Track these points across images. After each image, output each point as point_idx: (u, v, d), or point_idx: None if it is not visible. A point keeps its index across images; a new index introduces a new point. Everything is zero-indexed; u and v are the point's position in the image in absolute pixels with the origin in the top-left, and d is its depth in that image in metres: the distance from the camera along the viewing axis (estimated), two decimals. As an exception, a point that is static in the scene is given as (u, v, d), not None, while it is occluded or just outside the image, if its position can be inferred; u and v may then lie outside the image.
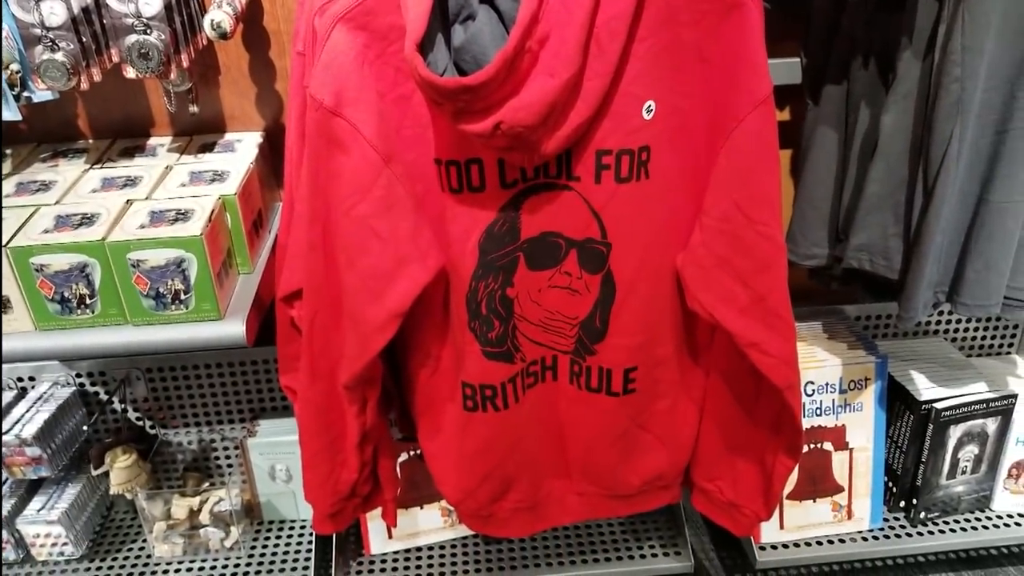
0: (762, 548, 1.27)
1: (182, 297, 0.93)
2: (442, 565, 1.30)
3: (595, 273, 0.89)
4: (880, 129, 0.99)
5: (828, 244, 1.12)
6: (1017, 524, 1.31)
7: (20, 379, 1.28)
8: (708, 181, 0.84)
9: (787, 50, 1.10)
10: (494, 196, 0.84)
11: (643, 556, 1.30)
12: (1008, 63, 0.90)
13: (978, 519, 1.33)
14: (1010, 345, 1.46)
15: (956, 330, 1.44)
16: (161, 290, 0.92)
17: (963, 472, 1.29)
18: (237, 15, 0.94)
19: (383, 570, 1.29)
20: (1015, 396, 1.26)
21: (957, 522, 1.32)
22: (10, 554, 1.27)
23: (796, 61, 1.10)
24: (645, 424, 0.99)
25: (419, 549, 1.32)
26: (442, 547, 1.32)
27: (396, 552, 1.31)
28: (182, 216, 0.93)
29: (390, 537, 1.30)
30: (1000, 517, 1.33)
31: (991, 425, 1.27)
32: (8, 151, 1.10)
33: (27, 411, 1.22)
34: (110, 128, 1.14)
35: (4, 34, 0.90)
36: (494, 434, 0.97)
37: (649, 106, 0.81)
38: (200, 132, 1.15)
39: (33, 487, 1.28)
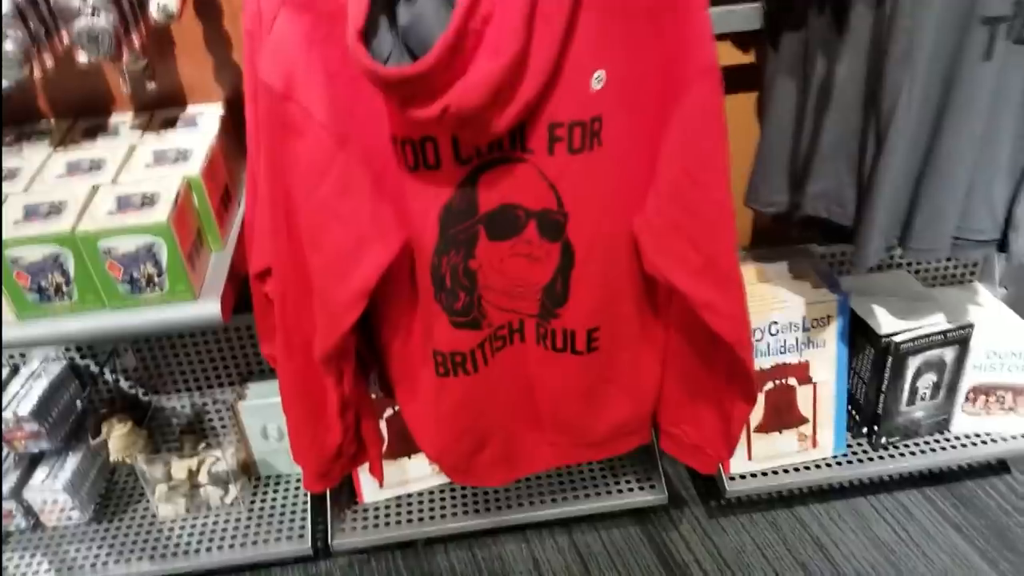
0: (732, 478, 1.31)
1: (156, 280, 0.93)
2: (431, 510, 1.34)
3: (554, 241, 0.88)
4: (834, 79, 0.98)
5: (788, 191, 1.12)
6: (973, 444, 1.35)
7: (12, 356, 1.29)
8: (660, 148, 0.84)
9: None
10: (450, 172, 0.83)
11: (620, 491, 1.34)
12: (956, 15, 0.88)
13: (937, 441, 1.36)
14: (972, 274, 1.46)
15: (920, 261, 1.44)
16: (135, 275, 0.92)
17: (922, 399, 1.32)
18: (184, -4, 0.91)
19: (376, 517, 1.33)
20: (971, 325, 1.27)
21: (917, 444, 1.36)
22: (21, 522, 1.30)
23: (758, 6, 1.08)
24: (610, 378, 1.01)
25: (409, 496, 1.36)
26: (431, 493, 1.36)
27: (388, 500, 1.35)
28: (148, 200, 0.92)
29: (381, 486, 1.33)
30: (958, 438, 1.37)
31: (949, 354, 1.29)
32: (-29, 138, 1.09)
33: (21, 388, 1.24)
34: (71, 107, 1.11)
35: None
36: (466, 396, 0.98)
37: (599, 76, 0.79)
38: (162, 106, 1.12)
39: (35, 460, 1.31)
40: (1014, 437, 1.35)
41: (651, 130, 0.84)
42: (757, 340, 1.24)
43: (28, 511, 1.29)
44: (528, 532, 1.39)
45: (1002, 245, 1.07)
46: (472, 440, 1.03)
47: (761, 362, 1.26)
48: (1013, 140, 0.99)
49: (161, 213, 0.90)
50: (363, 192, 0.82)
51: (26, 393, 1.23)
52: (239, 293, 1.02)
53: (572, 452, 1.10)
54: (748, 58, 1.23)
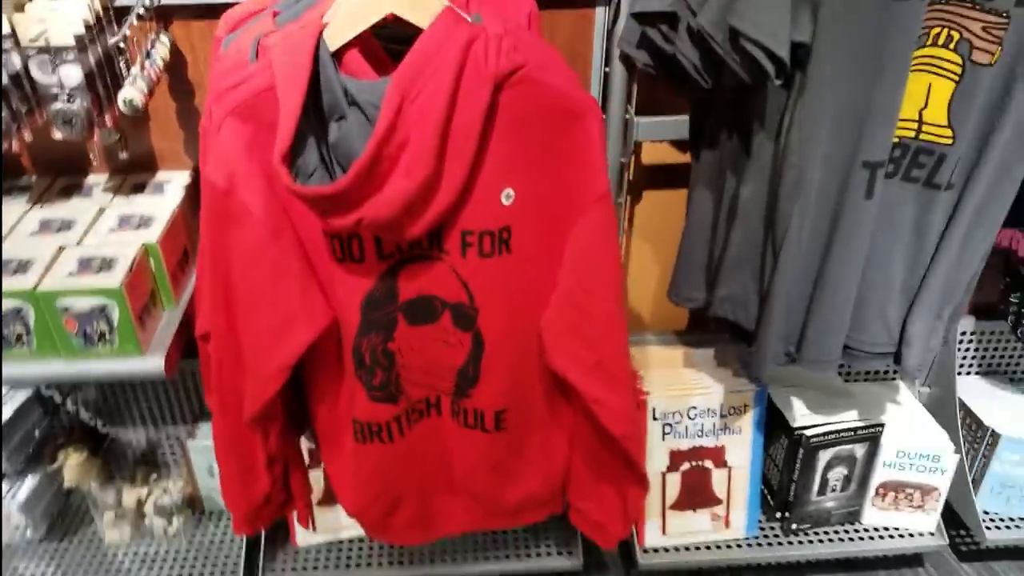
0: (645, 551, 1.41)
1: (107, 337, 1.04)
2: (359, 556, 1.44)
3: (466, 331, 0.99)
4: (740, 198, 1.09)
5: (705, 289, 1.22)
6: (881, 537, 1.44)
7: (-15, 383, 1.42)
8: (561, 260, 0.95)
9: (682, 106, 1.20)
10: (373, 266, 0.94)
11: (539, 555, 1.43)
12: (844, 152, 0.99)
13: (846, 531, 1.45)
14: (895, 372, 1.56)
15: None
16: (88, 331, 1.04)
17: (833, 490, 1.41)
18: (151, 86, 1.03)
19: (307, 560, 1.43)
20: (882, 425, 1.37)
21: (827, 533, 1.45)
22: (-27, 538, 1.42)
23: (686, 119, 1.20)
24: (519, 454, 1.11)
25: (340, 542, 1.46)
26: (361, 540, 1.46)
27: (319, 545, 1.45)
28: (106, 265, 1.04)
29: (314, 531, 1.43)
30: (867, 530, 1.46)
31: (859, 450, 1.38)
32: (-43, 188, 1.21)
33: (-14, 413, 1.36)
34: (52, 166, 1.24)
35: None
36: (382, 462, 1.08)
37: (508, 193, 0.90)
38: (135, 170, 1.25)
39: (-7, 480, 1.42)
40: (921, 534, 1.44)
41: (557, 241, 0.95)
42: (676, 422, 1.34)
43: (-17, 528, 1.41)
44: (455, 585, 1.49)
45: (897, 358, 1.17)
46: (387, 502, 1.13)
47: (679, 443, 1.36)
48: (905, 265, 1.10)
49: (115, 278, 1.01)
50: (292, 278, 0.93)
51: (-10, 419, 1.35)
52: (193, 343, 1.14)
53: (484, 519, 1.19)
54: (686, 158, 1.35)
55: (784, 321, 1.10)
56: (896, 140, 1.00)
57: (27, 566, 1.42)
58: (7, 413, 1.36)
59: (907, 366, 1.15)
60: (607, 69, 1.19)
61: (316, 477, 1.30)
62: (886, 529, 1.46)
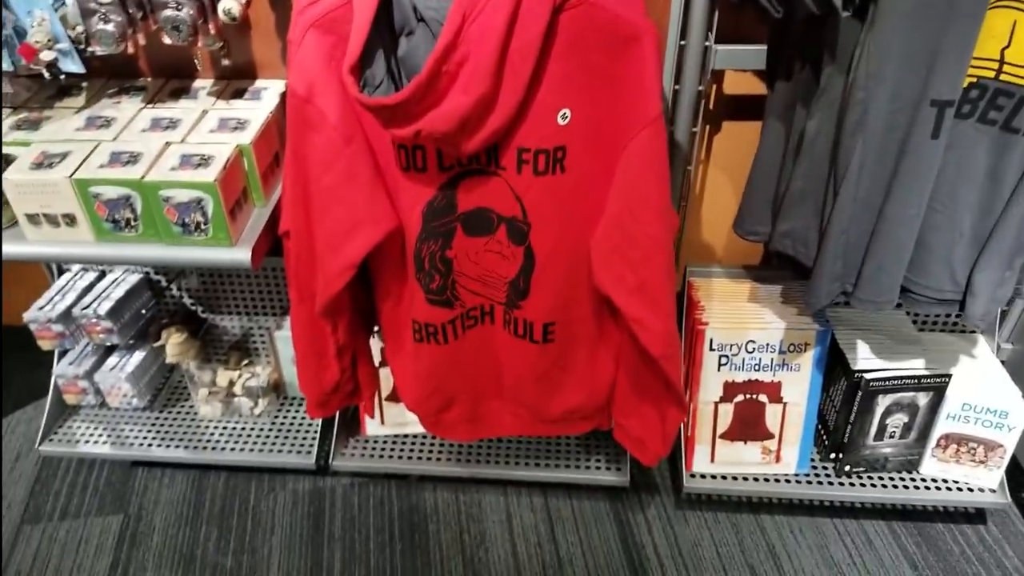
0: (692, 475, 1.48)
1: (202, 227, 1.18)
2: (420, 450, 1.58)
3: (519, 245, 1.07)
4: (808, 131, 1.11)
5: (770, 224, 1.25)
6: (938, 488, 1.46)
7: (100, 264, 1.61)
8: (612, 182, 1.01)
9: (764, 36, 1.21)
10: (434, 176, 1.03)
11: (588, 467, 1.53)
12: (912, 89, 0.99)
13: (902, 479, 1.48)
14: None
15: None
16: (186, 220, 1.17)
17: (891, 436, 1.43)
18: (249, -2, 1.14)
19: (374, 449, 1.59)
20: (948, 376, 1.37)
21: (881, 479, 1.48)
22: (91, 399, 1.64)
23: (763, 49, 1.21)
24: (565, 367, 1.19)
25: (404, 436, 1.60)
26: (423, 436, 1.60)
27: (386, 437, 1.60)
28: (204, 162, 1.17)
29: (383, 423, 1.58)
30: (924, 480, 1.47)
31: (922, 399, 1.39)
32: (84, 84, 1.37)
33: (103, 291, 1.55)
34: (165, 69, 1.38)
35: (70, 2, 1.14)
36: (437, 361, 1.19)
37: (564, 114, 0.96)
38: (237, 77, 1.37)
39: (108, 351, 1.63)
40: (982, 490, 1.45)
41: (610, 163, 1.01)
42: (733, 354, 1.39)
43: (97, 391, 1.62)
44: (508, 488, 1.61)
45: (963, 306, 1.18)
46: (441, 399, 1.25)
47: (735, 375, 1.41)
48: (976, 212, 1.09)
49: (211, 174, 1.14)
50: (362, 182, 1.03)
51: (107, 296, 1.54)
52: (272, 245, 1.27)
53: (530, 425, 1.29)
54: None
55: (841, 258, 1.12)
56: (973, 80, 1.00)
57: (131, 430, 1.63)
58: (119, 293, 1.55)
59: (971, 315, 1.15)
60: (689, -5, 1.21)
61: (385, 374, 1.44)
62: (944, 481, 1.47)
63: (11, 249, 1.21)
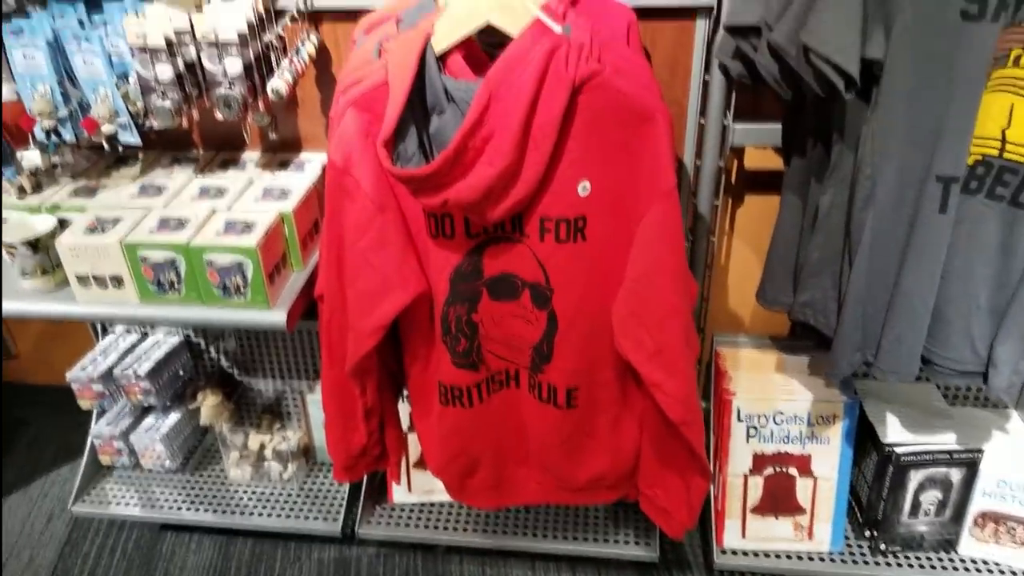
0: (723, 551, 1.53)
1: (242, 290, 1.31)
2: (447, 520, 1.66)
3: (542, 309, 1.18)
4: (820, 205, 1.21)
5: (791, 294, 1.35)
6: (978, 570, 1.49)
7: (144, 325, 1.76)
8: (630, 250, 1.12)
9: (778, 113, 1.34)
10: (461, 243, 1.15)
11: (617, 541, 1.59)
12: (918, 165, 1.09)
13: (940, 559, 1.51)
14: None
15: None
16: (227, 283, 1.31)
17: (926, 514, 1.48)
18: (296, 78, 1.29)
19: (400, 516, 1.67)
20: (980, 451, 1.42)
21: (918, 559, 1.51)
22: (125, 460, 1.75)
23: (778, 127, 1.33)
24: (589, 433, 1.28)
25: (432, 504, 1.68)
26: (451, 505, 1.68)
27: (412, 504, 1.69)
28: (247, 228, 1.31)
29: (409, 491, 1.67)
30: (963, 561, 1.51)
31: (956, 474, 1.44)
32: (140, 155, 1.54)
33: (144, 352, 1.69)
34: (216, 141, 1.55)
35: (132, 81, 1.31)
36: (461, 424, 1.29)
37: (584, 185, 1.08)
38: (283, 149, 1.53)
39: (144, 412, 1.76)
40: (1024, 573, 1.48)
41: (628, 232, 1.11)
42: (762, 425, 1.46)
43: (131, 452, 1.74)
44: (536, 561, 1.67)
45: (986, 378, 1.25)
46: (464, 462, 1.34)
47: (764, 447, 1.48)
48: (991, 284, 1.17)
49: (253, 239, 1.28)
50: (394, 248, 1.15)
51: (147, 357, 1.68)
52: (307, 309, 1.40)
53: (554, 493, 1.37)
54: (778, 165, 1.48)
55: (860, 329, 1.21)
56: (979, 158, 1.09)
57: (162, 492, 1.75)
58: (158, 355, 1.69)
59: (994, 388, 1.21)
60: (707, 77, 1.34)
61: (413, 441, 1.54)
62: (984, 563, 1.50)
63: (62, 308, 1.35)
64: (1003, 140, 1.08)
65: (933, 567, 1.50)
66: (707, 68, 1.33)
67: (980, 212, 1.13)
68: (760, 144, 1.40)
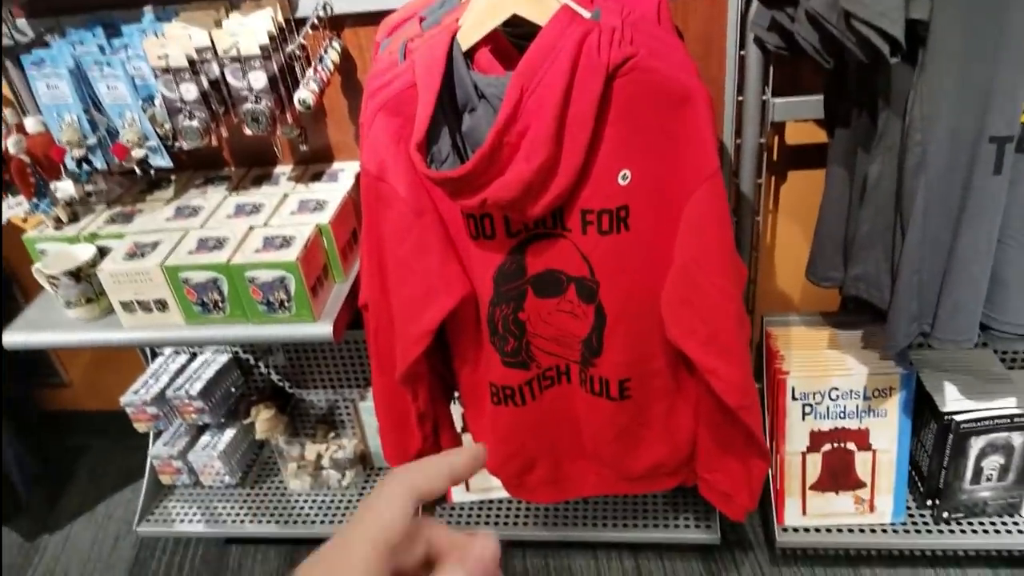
0: (784, 529, 1.46)
1: (286, 304, 1.26)
2: (507, 515, 1.60)
3: (589, 303, 1.11)
4: (868, 176, 1.13)
5: (842, 268, 1.27)
6: (1046, 532, 1.41)
7: (191, 346, 1.71)
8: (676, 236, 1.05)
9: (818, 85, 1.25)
10: (502, 242, 1.08)
11: (677, 526, 1.53)
12: (969, 127, 1.01)
13: (1004, 523, 1.43)
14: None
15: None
16: (271, 299, 1.26)
17: (988, 479, 1.40)
18: (322, 87, 1.23)
19: (460, 515, 1.62)
20: (1044, 413, 1.34)
21: (981, 524, 1.43)
22: (185, 479, 1.72)
23: (820, 99, 1.25)
24: (645, 423, 1.21)
25: (491, 501, 1.63)
26: (511, 501, 1.62)
27: (472, 502, 1.63)
28: (286, 243, 1.25)
29: (467, 490, 1.62)
30: (1030, 523, 1.43)
31: (1018, 439, 1.36)
32: (173, 177, 1.49)
33: (194, 372, 1.65)
34: (248, 157, 1.49)
35: (157, 103, 1.26)
36: (516, 423, 1.23)
37: (624, 174, 1.01)
38: (315, 161, 1.47)
39: (201, 430, 1.72)
40: (1093, 531, 1.40)
41: (672, 219, 1.04)
42: (817, 402, 1.39)
43: (191, 470, 1.71)
44: (598, 550, 1.62)
45: (1052, 340, 1.16)
46: (521, 461, 1.28)
47: (820, 424, 1.40)
48: (1051, 243, 1.09)
49: (293, 254, 1.23)
50: (434, 253, 1.09)
51: (198, 376, 1.64)
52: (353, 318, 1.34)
53: (614, 484, 1.31)
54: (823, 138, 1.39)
55: (916, 299, 1.13)
56: (1032, 114, 1.01)
57: (224, 507, 1.71)
58: (209, 373, 1.65)
59: (1059, 349, 1.14)
60: (742, 52, 1.26)
61: (468, 440, 1.48)
62: (1053, 524, 1.42)
63: (108, 336, 1.31)
64: (1059, 93, 0.99)
65: (997, 531, 1.42)
66: (742, 43, 1.25)
67: (1024, 172, 1.04)
68: (801, 118, 1.32)
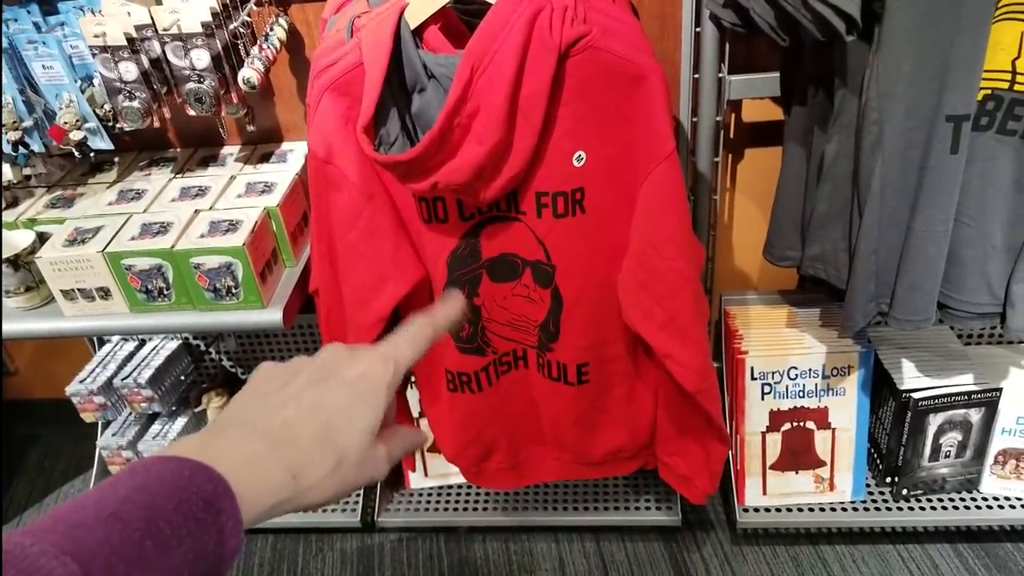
0: (745, 510, 1.48)
1: (233, 291, 1.23)
2: (465, 501, 1.60)
3: (545, 287, 1.10)
4: (825, 154, 1.13)
5: (799, 247, 1.27)
6: (1001, 507, 1.44)
7: (137, 335, 1.68)
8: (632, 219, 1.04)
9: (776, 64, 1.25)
10: (456, 226, 1.07)
11: (639, 508, 1.54)
12: (926, 105, 1.01)
13: (963, 499, 1.46)
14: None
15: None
16: (217, 286, 1.23)
17: (946, 456, 1.42)
18: (267, 66, 1.20)
19: (419, 501, 1.62)
20: (999, 390, 1.36)
21: (940, 500, 1.46)
22: (135, 469, 1.68)
23: (776, 76, 1.24)
24: (604, 408, 1.21)
25: (450, 487, 1.63)
26: (470, 486, 1.62)
27: (430, 488, 1.63)
28: (232, 227, 1.22)
29: (426, 475, 1.61)
30: (986, 499, 1.46)
31: (975, 415, 1.38)
32: (116, 160, 1.45)
33: (143, 360, 1.62)
34: (193, 138, 1.45)
35: (96, 83, 1.22)
36: (472, 410, 1.22)
37: (579, 156, 1.00)
38: (264, 140, 1.44)
39: (151, 419, 1.69)
40: (1048, 505, 1.43)
41: (629, 201, 1.04)
42: (776, 382, 1.40)
43: (142, 461, 1.67)
44: (559, 534, 1.62)
45: (1004, 318, 1.18)
46: (479, 448, 1.27)
47: (779, 403, 1.41)
48: (1006, 223, 1.10)
49: (239, 239, 1.19)
50: (386, 237, 1.07)
51: (147, 364, 1.60)
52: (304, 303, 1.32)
53: (573, 469, 1.31)
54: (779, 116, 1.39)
55: (874, 278, 1.13)
56: (988, 92, 1.01)
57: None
58: (158, 361, 1.61)
59: (1013, 327, 1.15)
60: (698, 29, 1.25)
61: (425, 425, 1.47)
62: (1007, 499, 1.45)
63: (49, 326, 1.27)
64: (1013, 72, 1.00)
65: (956, 507, 1.45)
66: (698, 20, 1.24)
67: (992, 149, 1.05)
68: (758, 96, 1.31)
